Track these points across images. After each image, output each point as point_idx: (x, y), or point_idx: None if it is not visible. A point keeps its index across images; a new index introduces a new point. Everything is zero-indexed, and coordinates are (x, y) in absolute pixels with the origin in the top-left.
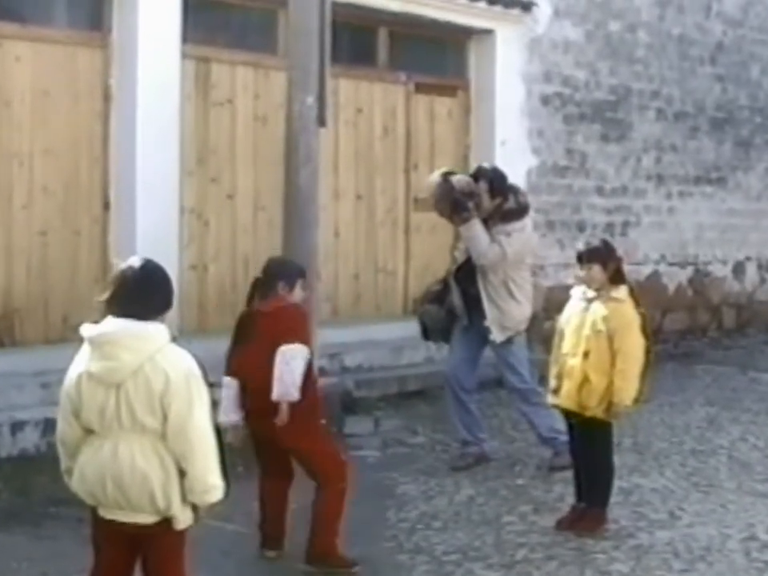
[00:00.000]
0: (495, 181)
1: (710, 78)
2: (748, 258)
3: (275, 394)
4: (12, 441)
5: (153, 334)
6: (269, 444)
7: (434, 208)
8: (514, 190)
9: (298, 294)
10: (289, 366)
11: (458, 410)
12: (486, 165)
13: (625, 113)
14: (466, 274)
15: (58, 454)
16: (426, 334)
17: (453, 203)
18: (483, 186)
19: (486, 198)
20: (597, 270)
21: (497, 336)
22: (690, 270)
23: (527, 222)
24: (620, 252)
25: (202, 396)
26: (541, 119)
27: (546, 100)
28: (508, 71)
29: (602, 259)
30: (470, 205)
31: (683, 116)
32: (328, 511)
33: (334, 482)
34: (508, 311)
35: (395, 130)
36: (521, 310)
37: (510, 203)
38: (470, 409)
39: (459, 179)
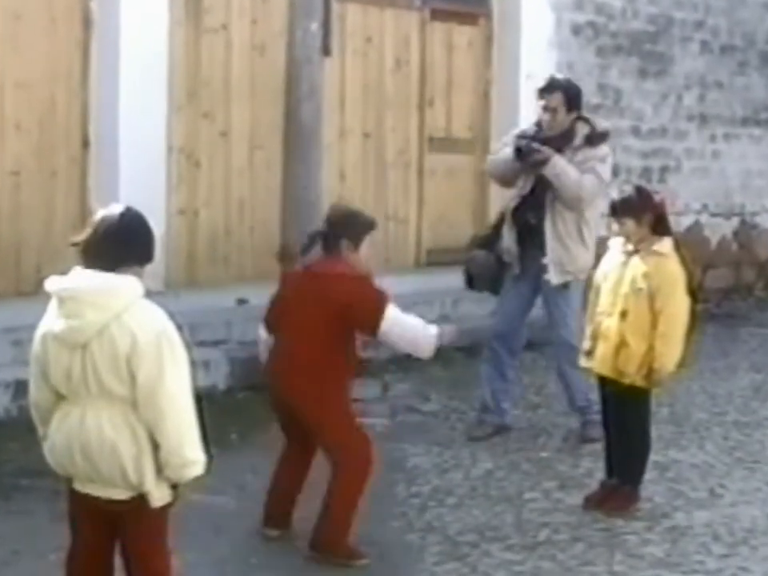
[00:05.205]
0: (571, 91)
1: (760, 8)
2: None
3: (420, 354)
4: None
5: (121, 289)
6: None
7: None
8: (583, 118)
9: (363, 252)
10: (402, 326)
11: (490, 372)
12: (559, 76)
13: (665, 45)
14: (533, 204)
15: (30, 419)
16: (471, 282)
17: (516, 152)
18: (558, 97)
19: (563, 110)
20: (630, 225)
21: (553, 277)
22: (735, 222)
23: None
24: (659, 197)
25: (176, 359)
26: (571, 51)
27: (577, 30)
28: None
29: (635, 212)
30: (534, 145)
31: (730, 49)
32: (344, 494)
33: (354, 459)
34: (575, 253)
35: (408, 62)
36: (586, 258)
37: (584, 126)
38: (506, 374)
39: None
